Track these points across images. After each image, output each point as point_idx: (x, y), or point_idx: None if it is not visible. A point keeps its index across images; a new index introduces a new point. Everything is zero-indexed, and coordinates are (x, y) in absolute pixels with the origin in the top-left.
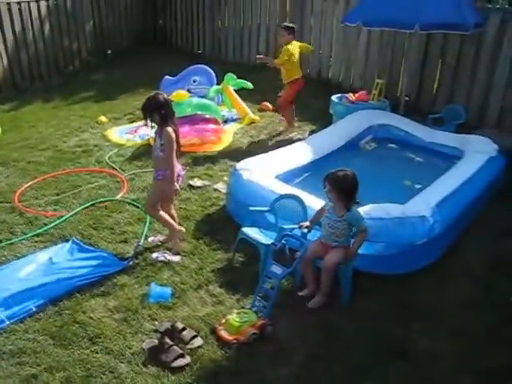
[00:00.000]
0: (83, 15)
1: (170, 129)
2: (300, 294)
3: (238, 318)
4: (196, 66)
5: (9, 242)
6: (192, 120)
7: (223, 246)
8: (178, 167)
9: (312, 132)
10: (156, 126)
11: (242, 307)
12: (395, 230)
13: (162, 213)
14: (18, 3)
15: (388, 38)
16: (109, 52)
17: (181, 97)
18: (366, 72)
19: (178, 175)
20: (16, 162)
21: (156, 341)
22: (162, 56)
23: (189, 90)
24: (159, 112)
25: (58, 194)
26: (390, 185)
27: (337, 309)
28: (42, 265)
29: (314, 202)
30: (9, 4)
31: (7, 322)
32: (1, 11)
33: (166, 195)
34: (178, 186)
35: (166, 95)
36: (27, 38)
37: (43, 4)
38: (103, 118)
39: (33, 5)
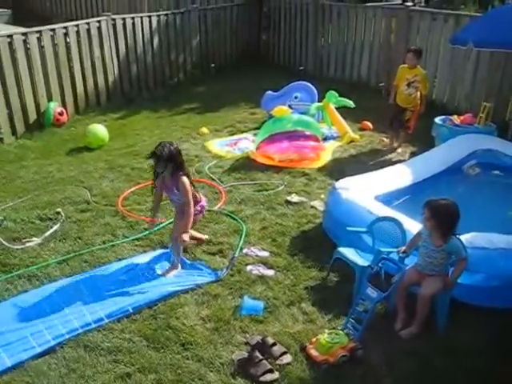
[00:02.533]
0: (190, 30)
1: (185, 179)
2: (396, 329)
3: (329, 338)
4: (298, 82)
5: (111, 243)
6: (292, 136)
7: (318, 264)
8: (203, 200)
9: (413, 154)
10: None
11: (334, 328)
12: (499, 261)
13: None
14: (132, 18)
15: (499, 59)
16: (212, 65)
17: (282, 112)
18: (472, 94)
19: (202, 207)
20: (121, 168)
21: (246, 353)
22: (263, 71)
23: (290, 106)
24: (174, 163)
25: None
26: (492, 214)
27: (430, 337)
28: (140, 268)
29: (414, 227)
30: (124, 19)
31: (106, 321)
32: (116, 25)
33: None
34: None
35: (176, 144)
36: (137, 51)
37: (154, 19)
38: (204, 130)
39: (145, 19)
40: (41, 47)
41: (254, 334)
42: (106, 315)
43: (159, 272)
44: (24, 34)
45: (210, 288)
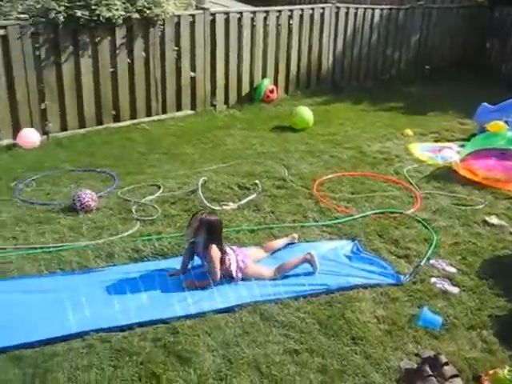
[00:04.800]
0: (411, 27)
1: (214, 248)
2: None
3: (509, 375)
4: None
5: (301, 224)
6: (502, 154)
7: (508, 294)
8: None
9: None
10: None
11: None
12: None
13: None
14: (356, 8)
15: None
16: (427, 67)
17: (497, 128)
18: None
19: (243, 262)
20: (320, 153)
21: (415, 365)
22: (481, 81)
23: (507, 123)
24: (209, 233)
25: (352, 193)
26: None
27: None
28: (323, 254)
29: None
30: (347, 9)
31: (284, 296)
32: (339, 14)
33: None
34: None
35: (218, 218)
36: (355, 41)
37: (377, 12)
38: (409, 132)
39: (368, 11)
40: (265, 26)
41: (426, 348)
42: (286, 291)
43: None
44: (253, 12)
45: (389, 290)
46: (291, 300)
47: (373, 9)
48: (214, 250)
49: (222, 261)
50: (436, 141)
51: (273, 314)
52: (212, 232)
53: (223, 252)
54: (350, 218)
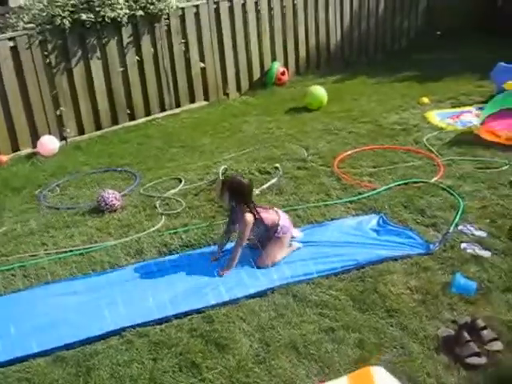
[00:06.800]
0: None
1: (249, 216)
2: None
3: None
4: None
5: (324, 203)
6: None
7: None
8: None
9: None
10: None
11: None
12: None
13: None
14: None
15: None
16: (438, 33)
17: None
18: None
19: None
20: (338, 131)
21: (452, 331)
22: (495, 41)
23: None
24: (240, 197)
25: (374, 167)
26: None
27: None
28: (350, 230)
29: None
30: None
31: (315, 275)
32: None
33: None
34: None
35: (247, 181)
36: (361, 15)
37: None
38: (425, 100)
39: None
40: (270, 9)
41: (462, 314)
42: (317, 270)
43: None
44: None
45: (420, 259)
46: (322, 279)
47: None
48: (248, 216)
49: (261, 220)
50: (454, 106)
51: (305, 295)
52: (236, 193)
53: (255, 215)
54: (374, 192)
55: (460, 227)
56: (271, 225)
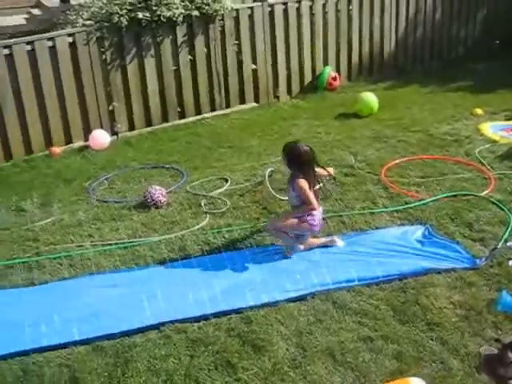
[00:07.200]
0: (477, 2)
1: (301, 180)
2: None
3: None
4: None
5: (370, 210)
6: None
7: None
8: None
9: None
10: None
11: None
12: None
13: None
14: None
15: None
16: (496, 42)
17: None
18: None
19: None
20: (387, 139)
21: (496, 350)
22: None
23: None
24: (298, 163)
25: (422, 177)
26: None
27: None
28: (394, 239)
29: None
30: None
31: (356, 283)
32: None
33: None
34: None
35: (306, 147)
36: (417, 22)
37: None
38: (479, 111)
39: None
40: (324, 13)
41: (507, 333)
42: (358, 278)
43: None
44: (311, 0)
45: (465, 274)
46: (363, 287)
47: None
48: (302, 181)
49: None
50: (508, 119)
51: (345, 302)
52: (293, 160)
53: (311, 186)
54: (421, 202)
55: (509, 243)
56: (309, 205)
